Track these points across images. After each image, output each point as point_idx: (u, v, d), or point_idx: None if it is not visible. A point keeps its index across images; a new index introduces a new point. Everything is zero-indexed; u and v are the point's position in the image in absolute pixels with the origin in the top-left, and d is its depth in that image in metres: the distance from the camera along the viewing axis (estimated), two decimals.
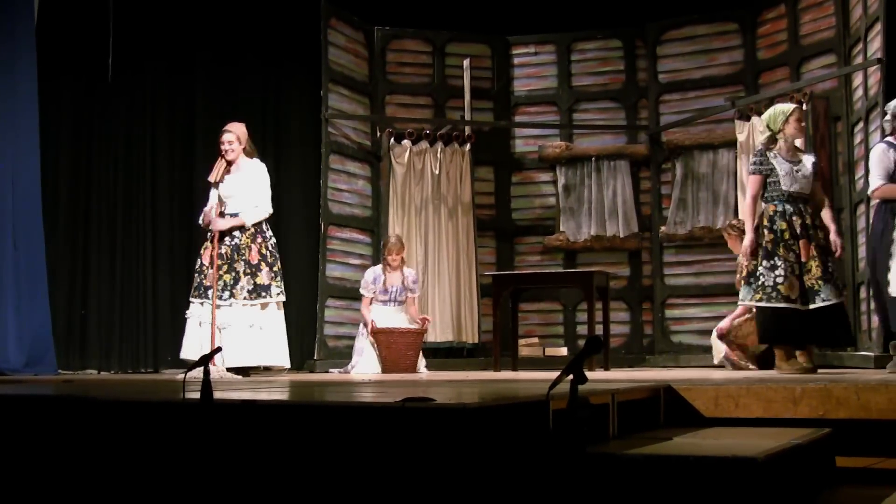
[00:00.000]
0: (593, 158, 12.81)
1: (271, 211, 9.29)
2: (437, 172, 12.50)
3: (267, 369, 9.16)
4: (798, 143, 8.41)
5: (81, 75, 10.79)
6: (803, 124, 8.39)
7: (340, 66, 12.22)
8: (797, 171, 8.14)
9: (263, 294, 9.05)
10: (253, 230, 9.11)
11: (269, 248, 9.16)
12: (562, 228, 12.87)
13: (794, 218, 8.04)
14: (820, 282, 7.86)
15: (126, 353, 10.68)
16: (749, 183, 8.30)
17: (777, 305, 7.91)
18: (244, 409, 3.92)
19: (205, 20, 11.41)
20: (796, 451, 4.20)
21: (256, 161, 9.33)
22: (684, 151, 12.39)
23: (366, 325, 10.51)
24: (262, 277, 9.05)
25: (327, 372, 10.87)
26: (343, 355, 11.21)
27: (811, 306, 7.85)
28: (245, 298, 8.99)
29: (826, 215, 8.16)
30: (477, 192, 12.82)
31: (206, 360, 4.06)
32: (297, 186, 11.94)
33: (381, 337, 10.19)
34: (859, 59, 10.12)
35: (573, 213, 12.85)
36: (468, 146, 12.69)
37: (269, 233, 9.23)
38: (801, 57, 11.39)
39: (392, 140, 12.42)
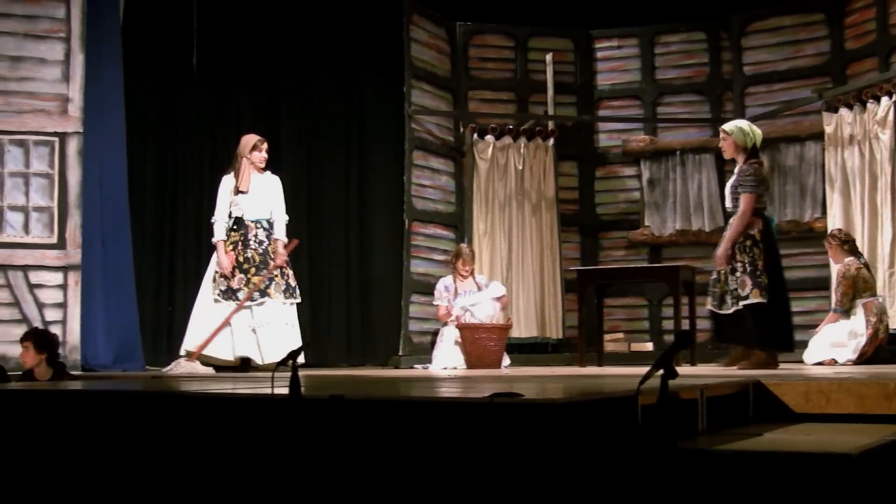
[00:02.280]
0: (678, 152, 12.73)
1: (288, 219, 9.60)
2: (520, 168, 12.48)
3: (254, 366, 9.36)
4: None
5: (166, 74, 10.92)
6: None
7: (423, 62, 12.24)
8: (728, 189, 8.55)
9: (296, 294, 9.49)
10: (277, 236, 9.51)
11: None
12: (646, 223, 12.80)
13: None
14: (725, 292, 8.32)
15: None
16: None
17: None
18: (333, 404, 3.93)
19: (287, 18, 11.48)
20: (891, 448, 4.13)
21: (270, 174, 9.64)
22: (770, 144, 12.22)
23: (448, 318, 10.57)
24: (292, 279, 9.47)
25: (412, 368, 10.89)
26: (428, 351, 11.22)
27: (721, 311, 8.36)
28: (284, 297, 9.37)
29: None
30: (561, 187, 12.77)
31: (294, 357, 4.07)
32: (380, 183, 11.98)
33: (466, 332, 10.17)
34: None
35: (658, 208, 12.77)
36: (551, 141, 12.65)
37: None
38: (890, 47, 11.21)
39: (475, 135, 12.41)
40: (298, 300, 9.48)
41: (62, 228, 9.75)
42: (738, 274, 8.22)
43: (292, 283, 9.44)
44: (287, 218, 9.54)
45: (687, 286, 10.50)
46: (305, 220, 11.33)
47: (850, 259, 9.85)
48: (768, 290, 8.12)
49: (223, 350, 9.30)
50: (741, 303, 8.14)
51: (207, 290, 9.43)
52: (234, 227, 9.43)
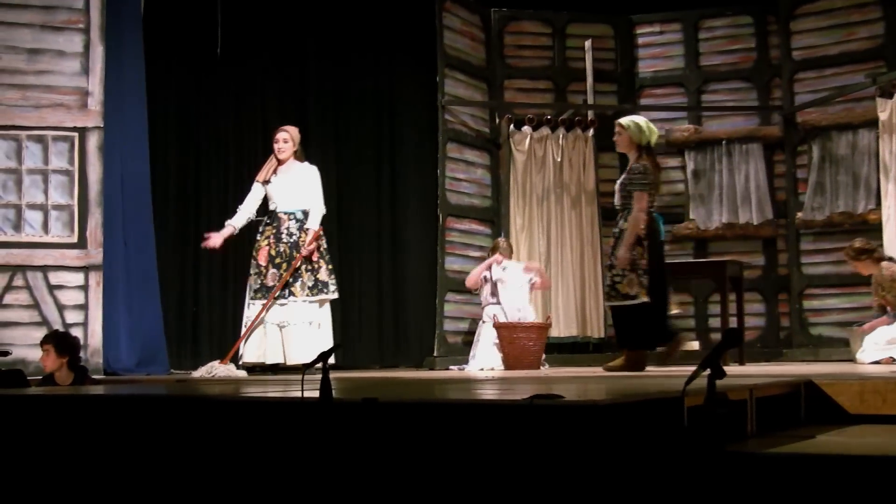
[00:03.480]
0: (724, 142, 12.67)
1: (325, 210, 9.63)
2: (559, 160, 12.46)
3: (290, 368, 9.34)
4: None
5: (189, 66, 10.95)
6: None
7: (456, 51, 12.23)
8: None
9: (325, 291, 9.45)
10: (308, 227, 9.49)
11: (324, 245, 9.60)
12: (691, 216, 12.75)
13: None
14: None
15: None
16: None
17: None
18: (366, 407, 3.93)
19: (315, 6, 11.49)
20: None
21: (308, 164, 9.74)
22: (821, 132, 12.19)
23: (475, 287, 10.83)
24: (322, 274, 9.46)
25: (447, 369, 10.90)
26: (464, 351, 11.22)
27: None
28: (307, 295, 9.34)
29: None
30: (601, 179, 12.72)
31: (325, 358, 4.08)
32: (413, 176, 11.98)
33: (504, 332, 10.17)
34: None
35: (703, 200, 12.72)
36: (591, 132, 12.62)
37: (322, 228, 9.54)
38: None
39: (511, 127, 12.41)
40: (329, 296, 9.45)
41: (83, 227, 9.79)
42: (619, 271, 8.52)
43: (323, 278, 9.42)
44: (324, 209, 9.58)
45: (734, 282, 10.47)
46: (335, 215, 11.35)
47: (885, 263, 9.92)
48: (648, 290, 8.43)
49: (256, 353, 9.35)
50: (627, 302, 8.47)
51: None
52: (268, 221, 9.53)
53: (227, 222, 9.62)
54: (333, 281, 9.51)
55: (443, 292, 11.74)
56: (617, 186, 8.76)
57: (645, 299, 8.43)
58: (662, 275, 8.62)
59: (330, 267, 9.53)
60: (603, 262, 12.44)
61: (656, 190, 8.76)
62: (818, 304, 12.22)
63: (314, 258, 9.38)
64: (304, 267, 9.35)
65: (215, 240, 9.52)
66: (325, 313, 9.49)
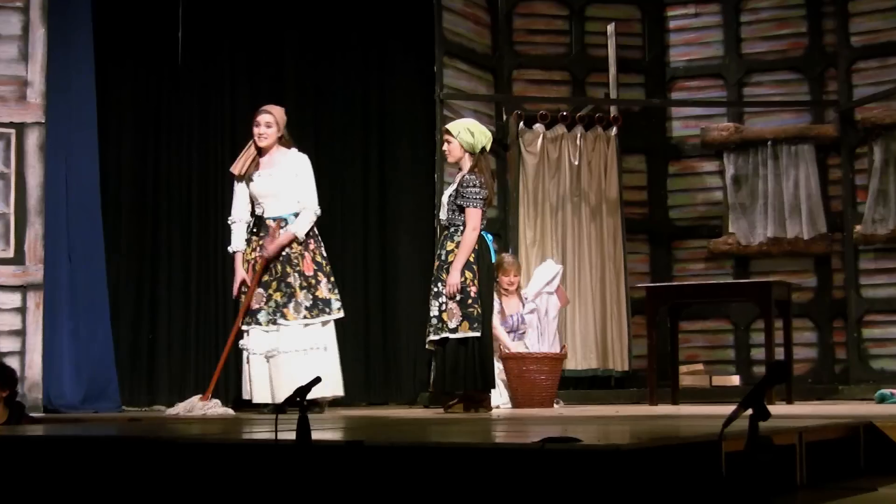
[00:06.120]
0: (769, 143, 12.69)
1: (320, 212, 9.40)
2: (576, 163, 12.46)
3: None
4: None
5: (146, 52, 10.91)
6: None
7: (458, 36, 12.24)
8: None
9: (326, 310, 9.18)
10: (294, 229, 9.22)
11: (323, 254, 9.33)
12: (731, 229, 12.77)
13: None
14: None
15: (201, 386, 10.74)
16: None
17: None
18: (349, 451, 3.94)
19: None
20: None
21: (296, 152, 9.51)
22: (885, 132, 12.20)
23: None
24: (322, 290, 9.18)
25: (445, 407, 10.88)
26: None
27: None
28: (304, 317, 9.09)
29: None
30: (626, 186, 12.75)
31: (302, 394, 4.09)
32: (406, 182, 11.95)
33: (512, 364, 10.16)
34: None
35: (745, 211, 12.74)
36: (614, 130, 12.63)
37: (319, 236, 9.33)
38: None
39: (521, 124, 12.39)
40: (332, 316, 9.20)
41: (20, 239, 9.78)
42: (443, 300, 8.70)
43: (323, 295, 9.14)
44: (318, 210, 9.33)
45: (781, 306, 10.47)
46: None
47: None
48: (481, 322, 8.63)
49: (247, 388, 9.23)
50: (448, 335, 8.65)
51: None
52: (255, 230, 9.32)
53: (230, 249, 9.42)
54: (337, 297, 9.24)
55: None
56: (444, 200, 8.97)
57: (473, 333, 8.61)
58: (492, 305, 8.89)
59: (332, 281, 9.24)
60: (627, 282, 12.47)
61: (489, 205, 8.94)
62: (880, 333, 12.22)
63: (309, 272, 9.11)
64: (298, 284, 9.11)
65: (249, 282, 9.25)
66: (330, 334, 9.24)
